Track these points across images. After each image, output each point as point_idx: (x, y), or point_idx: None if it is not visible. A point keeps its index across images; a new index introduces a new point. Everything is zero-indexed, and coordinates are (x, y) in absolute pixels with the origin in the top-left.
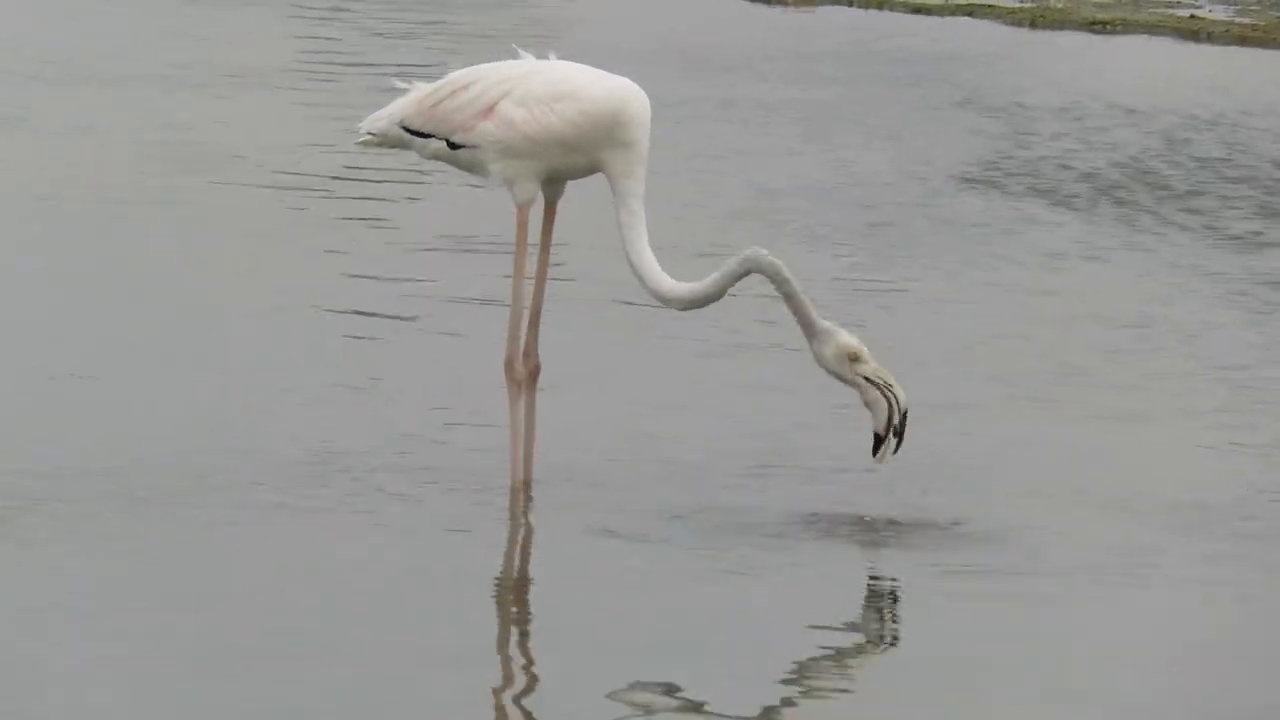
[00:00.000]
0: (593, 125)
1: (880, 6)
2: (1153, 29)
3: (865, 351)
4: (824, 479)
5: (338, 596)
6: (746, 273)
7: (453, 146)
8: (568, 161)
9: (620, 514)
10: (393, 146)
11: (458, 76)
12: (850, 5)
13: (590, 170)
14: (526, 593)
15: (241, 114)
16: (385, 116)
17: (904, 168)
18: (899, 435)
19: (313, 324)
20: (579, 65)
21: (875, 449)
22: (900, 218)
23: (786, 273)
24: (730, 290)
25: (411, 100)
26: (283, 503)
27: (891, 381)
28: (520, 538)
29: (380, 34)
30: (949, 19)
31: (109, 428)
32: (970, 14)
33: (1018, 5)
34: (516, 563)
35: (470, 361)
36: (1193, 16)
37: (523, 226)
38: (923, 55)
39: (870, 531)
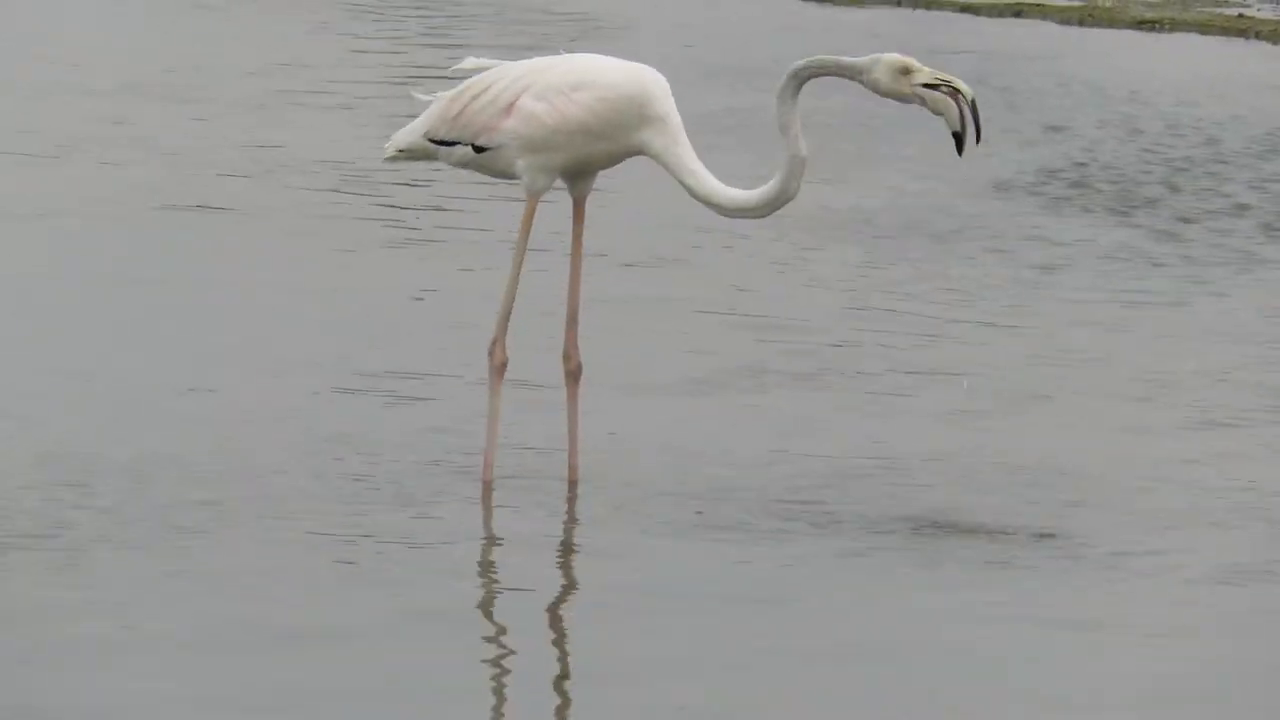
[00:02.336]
0: (614, 110)
1: (929, 6)
2: (1202, 28)
3: (913, 62)
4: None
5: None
6: (788, 102)
7: (478, 150)
8: (594, 149)
9: (662, 515)
10: (421, 159)
11: (475, 81)
12: (899, 5)
13: (618, 157)
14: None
15: (315, 126)
16: (409, 131)
17: (953, 179)
18: (976, 125)
19: (411, 334)
20: (594, 55)
21: (959, 148)
22: (953, 231)
23: (808, 60)
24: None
25: (435, 112)
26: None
27: (949, 78)
28: (575, 537)
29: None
30: (997, 19)
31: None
32: (1019, 13)
33: (1066, 4)
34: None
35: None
36: (1241, 15)
37: (529, 216)
38: (971, 56)
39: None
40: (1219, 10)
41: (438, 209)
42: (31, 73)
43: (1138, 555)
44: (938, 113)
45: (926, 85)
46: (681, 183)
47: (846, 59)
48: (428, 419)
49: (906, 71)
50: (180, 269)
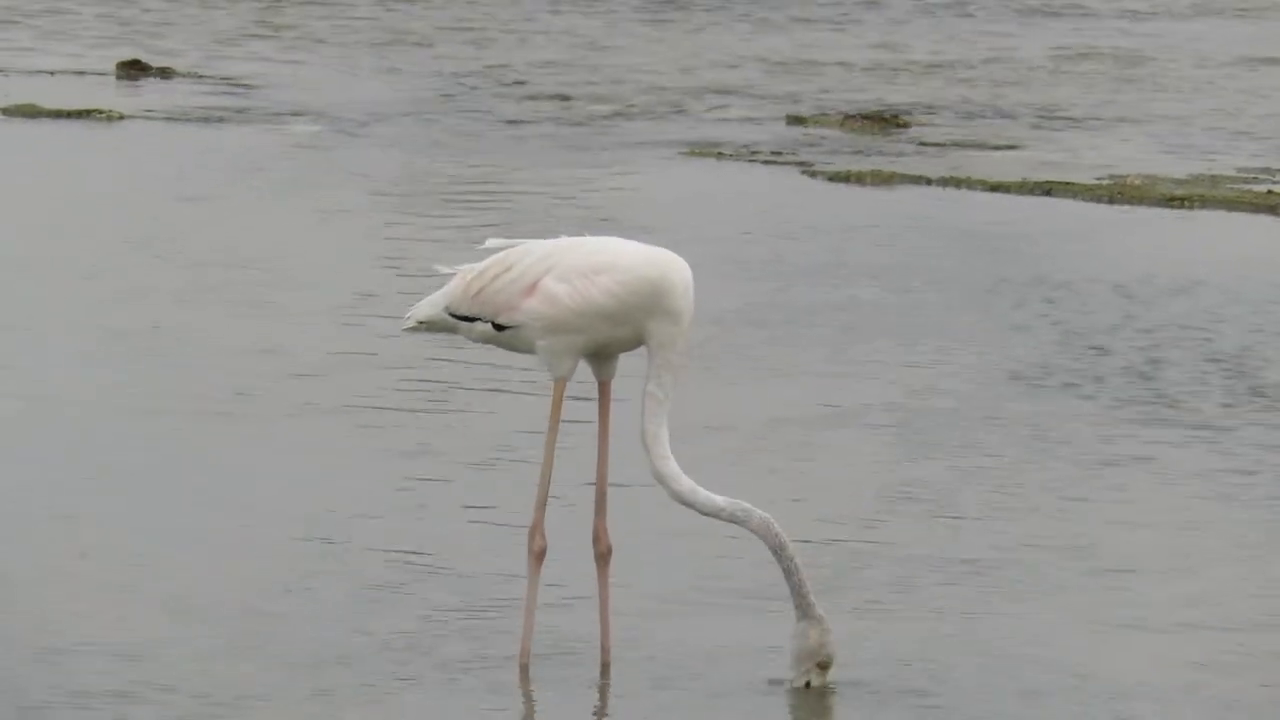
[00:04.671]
0: (634, 295)
1: (958, 185)
2: (1231, 204)
3: (831, 666)
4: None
5: None
6: (744, 526)
7: (498, 328)
8: (613, 334)
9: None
10: (440, 331)
11: (498, 259)
12: (929, 184)
13: (637, 342)
14: None
15: (322, 311)
16: (430, 304)
17: (975, 369)
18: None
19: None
20: (618, 239)
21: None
22: (974, 425)
23: (789, 550)
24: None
25: (456, 287)
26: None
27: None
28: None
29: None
30: (1027, 197)
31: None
32: (1048, 192)
33: (1095, 182)
34: None
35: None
36: (1270, 192)
37: (558, 401)
38: (999, 237)
39: None
40: (1247, 187)
41: (465, 388)
42: (34, 263)
43: None
44: (790, 664)
45: (808, 683)
46: (646, 384)
47: (808, 587)
48: (463, 600)
49: (823, 667)
50: (196, 464)
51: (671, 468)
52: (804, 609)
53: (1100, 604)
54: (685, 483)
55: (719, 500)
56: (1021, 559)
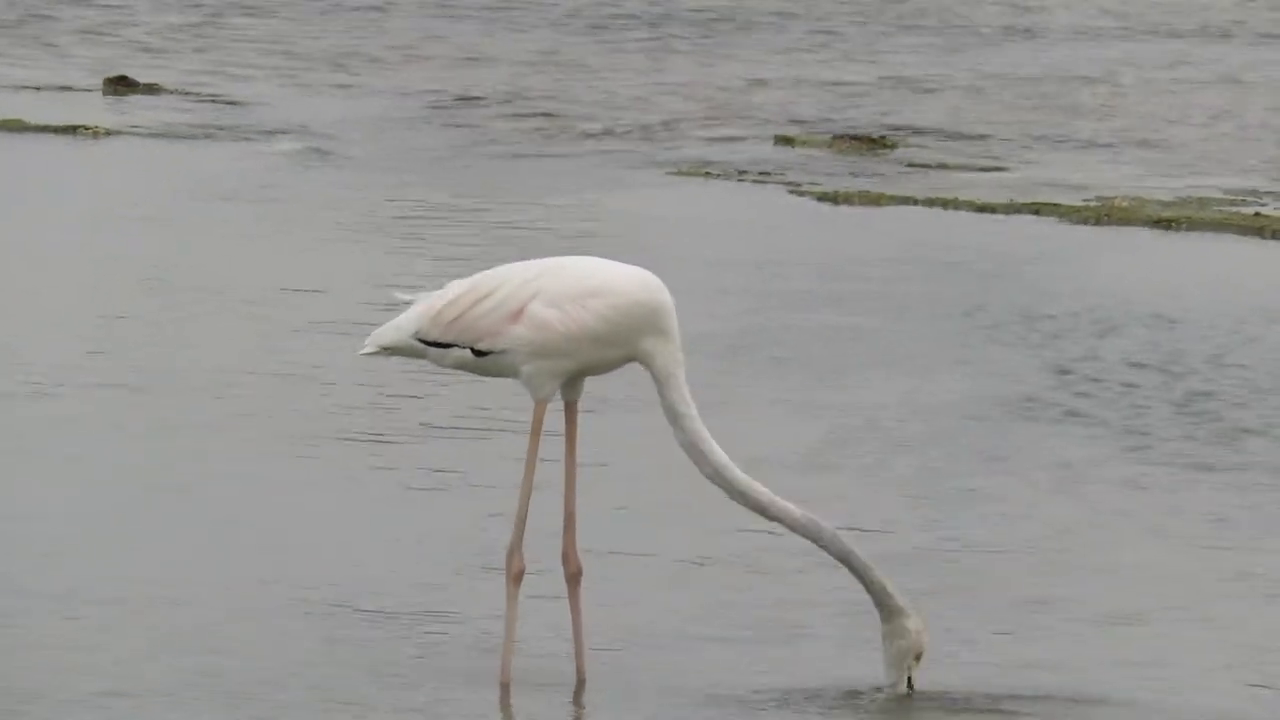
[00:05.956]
0: (627, 318)
1: (945, 206)
2: (1218, 226)
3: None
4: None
5: None
6: (809, 537)
7: (478, 354)
8: (602, 356)
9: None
10: (402, 356)
11: (475, 284)
12: (916, 204)
13: (623, 363)
14: None
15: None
16: (394, 329)
17: (961, 394)
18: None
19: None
20: (598, 260)
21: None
22: (961, 455)
23: (859, 557)
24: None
25: (425, 313)
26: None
27: (912, 684)
28: None
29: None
30: (1014, 217)
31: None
32: (1036, 212)
33: (1082, 203)
34: None
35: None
36: (1257, 214)
37: (538, 424)
38: (986, 258)
39: None
40: (1235, 209)
41: (438, 417)
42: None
43: None
44: (890, 669)
45: (908, 676)
46: (669, 406)
47: (890, 588)
48: (442, 622)
49: (918, 658)
50: (182, 484)
51: (739, 476)
52: (890, 610)
53: (1103, 646)
54: (743, 479)
55: (784, 509)
56: (1015, 596)
